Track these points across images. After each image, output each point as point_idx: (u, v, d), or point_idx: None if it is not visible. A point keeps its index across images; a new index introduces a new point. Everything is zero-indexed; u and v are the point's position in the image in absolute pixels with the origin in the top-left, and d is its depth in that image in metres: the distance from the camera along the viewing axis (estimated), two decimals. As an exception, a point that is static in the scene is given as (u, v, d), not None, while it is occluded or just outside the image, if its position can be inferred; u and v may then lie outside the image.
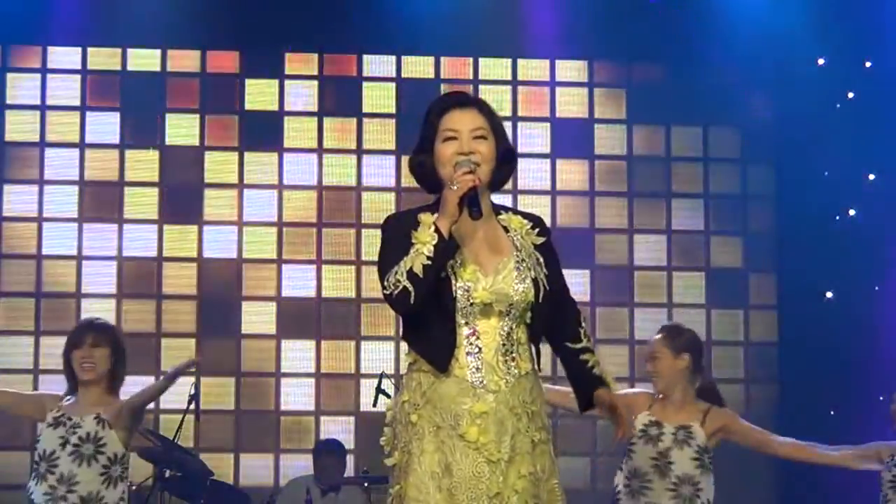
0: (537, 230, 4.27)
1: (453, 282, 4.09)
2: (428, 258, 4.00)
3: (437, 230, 4.03)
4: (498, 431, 4.05)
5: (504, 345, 4.12)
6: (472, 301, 4.09)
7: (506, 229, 4.24)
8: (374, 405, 9.16)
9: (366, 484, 8.96)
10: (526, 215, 4.32)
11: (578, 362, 4.28)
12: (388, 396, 9.15)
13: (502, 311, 4.11)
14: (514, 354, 4.13)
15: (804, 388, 10.29)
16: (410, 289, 3.99)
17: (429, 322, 4.09)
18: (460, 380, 4.07)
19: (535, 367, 4.20)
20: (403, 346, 4.30)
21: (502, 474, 4.03)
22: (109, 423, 5.97)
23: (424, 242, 4.02)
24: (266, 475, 10.38)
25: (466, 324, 4.10)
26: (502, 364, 4.11)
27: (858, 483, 7.39)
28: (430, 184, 4.25)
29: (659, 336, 6.16)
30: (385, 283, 4.05)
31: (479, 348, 4.10)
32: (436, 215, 4.09)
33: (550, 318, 4.21)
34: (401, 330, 4.26)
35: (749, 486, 9.96)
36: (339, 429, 10.27)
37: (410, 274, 4.00)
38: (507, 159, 4.25)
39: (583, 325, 4.33)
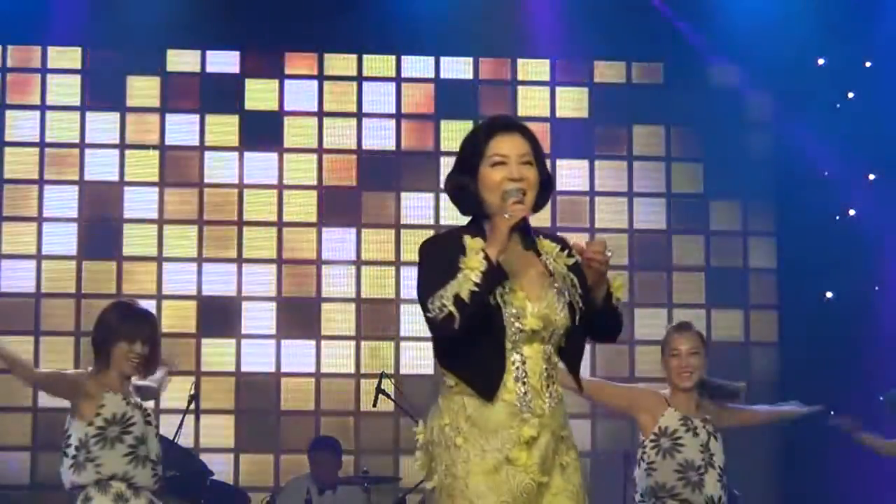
0: (567, 251, 4.25)
1: (503, 309, 4.10)
2: (476, 284, 3.99)
3: (486, 257, 4.02)
4: (542, 454, 4.08)
5: (546, 369, 4.14)
6: (521, 328, 4.11)
7: (538, 253, 4.24)
8: (374, 405, 9.16)
9: (365, 484, 8.95)
10: (553, 238, 4.32)
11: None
12: (389, 396, 9.15)
13: (545, 337, 4.14)
14: (553, 379, 4.16)
15: (804, 388, 10.28)
16: (456, 314, 3.98)
17: (477, 349, 4.08)
18: (509, 404, 4.09)
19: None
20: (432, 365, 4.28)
21: (548, 491, 4.09)
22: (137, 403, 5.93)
23: (473, 268, 4.01)
24: (266, 475, 10.38)
25: (514, 350, 4.11)
26: (545, 388, 4.13)
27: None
28: (469, 206, 4.24)
29: (689, 334, 6.26)
30: (429, 307, 4.03)
31: (526, 373, 4.11)
32: (476, 239, 4.08)
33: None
34: (436, 353, 4.22)
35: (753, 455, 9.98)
36: (339, 429, 10.26)
37: (457, 299, 3.98)
38: (546, 185, 4.25)
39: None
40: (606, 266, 4.09)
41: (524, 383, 4.11)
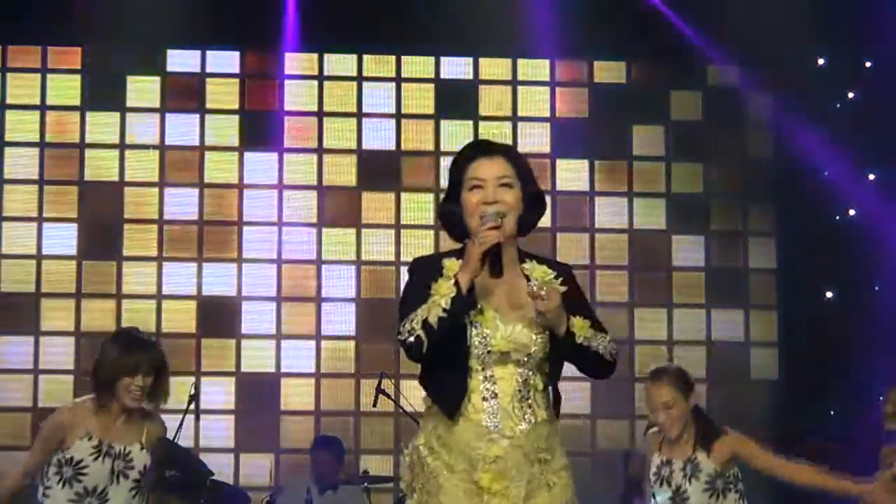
0: (560, 280, 4.23)
1: (470, 329, 4.11)
2: (444, 310, 4.02)
3: (456, 283, 4.04)
4: (513, 476, 4.07)
5: (520, 391, 4.13)
6: (489, 349, 4.12)
7: (527, 278, 4.22)
8: (375, 405, 9.16)
9: (365, 484, 8.95)
10: (552, 264, 4.31)
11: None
12: (389, 396, 9.15)
13: (520, 360, 4.13)
14: (530, 401, 4.14)
15: (804, 388, 10.29)
16: (423, 338, 4.02)
17: (441, 368, 4.11)
18: (476, 424, 4.10)
19: (552, 416, 4.20)
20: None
21: None
22: (147, 447, 5.74)
23: (443, 295, 4.04)
24: (266, 475, 10.38)
25: (483, 369, 4.12)
26: (518, 410, 4.12)
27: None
28: (459, 232, 4.26)
29: (661, 384, 6.08)
30: (400, 329, 4.07)
31: (496, 394, 4.11)
32: (456, 263, 4.11)
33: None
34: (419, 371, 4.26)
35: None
36: (339, 429, 10.26)
37: (425, 324, 4.02)
38: (535, 204, 4.25)
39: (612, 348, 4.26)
40: (550, 306, 4.03)
41: (493, 403, 4.10)
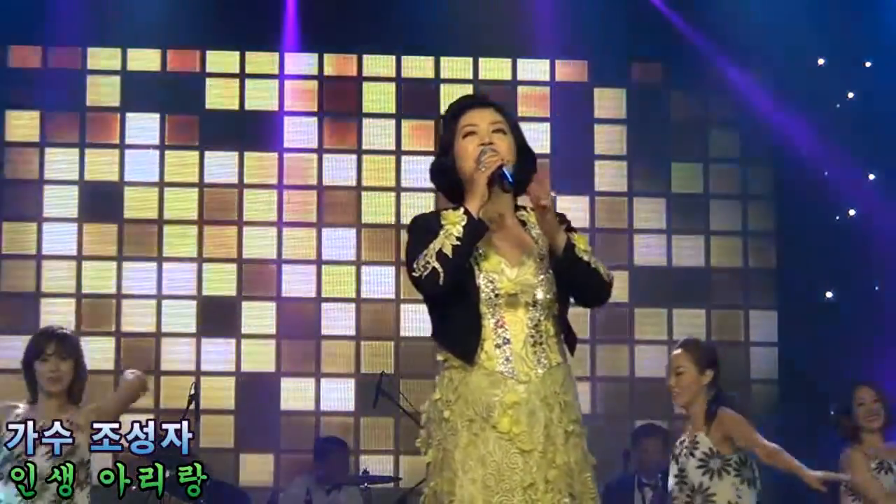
0: (564, 226, 4.25)
1: (476, 272, 4.11)
2: (457, 238, 4.02)
3: (466, 211, 4.04)
4: (530, 422, 4.05)
5: (532, 336, 4.13)
6: (497, 292, 4.12)
7: (524, 223, 4.26)
8: (375, 405, 9.16)
9: (365, 484, 8.96)
10: None
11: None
12: (389, 397, 9.15)
13: (528, 303, 4.13)
14: (543, 346, 4.14)
15: (804, 388, 10.29)
16: (440, 269, 4.01)
17: (454, 314, 4.11)
18: (490, 371, 4.09)
19: (567, 361, 4.20)
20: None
21: (536, 464, 4.03)
22: (78, 427, 5.75)
23: (454, 223, 4.05)
24: (266, 475, 10.38)
25: (492, 315, 4.12)
26: (532, 355, 4.12)
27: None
28: (451, 185, 4.27)
29: (680, 351, 6.15)
30: (414, 267, 4.07)
31: (507, 339, 4.11)
32: (457, 212, 4.11)
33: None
34: (432, 329, 4.27)
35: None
36: (339, 429, 10.26)
37: (440, 255, 4.02)
38: (526, 158, 4.27)
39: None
40: (549, 209, 4.07)
41: (506, 349, 4.10)
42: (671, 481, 6.11)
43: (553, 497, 4.03)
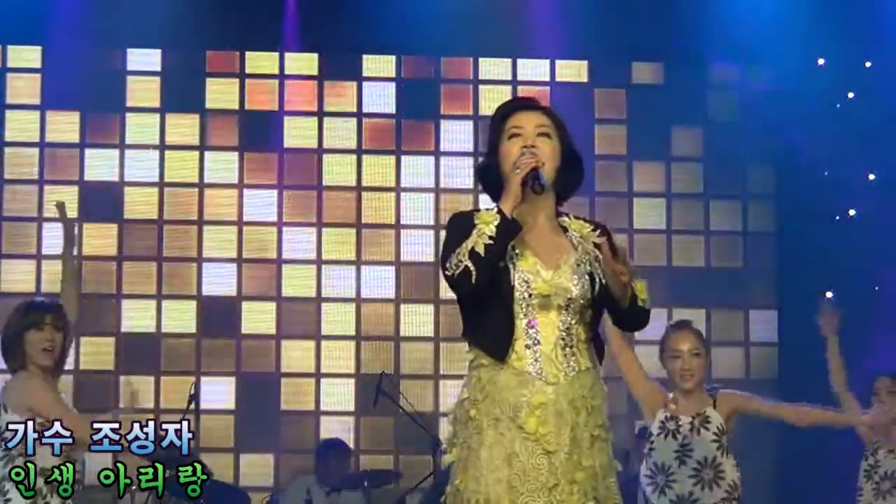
0: (598, 231, 4.28)
1: (512, 271, 4.12)
2: (490, 238, 4.03)
3: (499, 211, 4.06)
4: (556, 423, 4.05)
5: (563, 339, 4.14)
6: (530, 293, 4.12)
7: (565, 230, 4.27)
8: (375, 405, 9.16)
9: (366, 484, 8.96)
10: (587, 220, 4.35)
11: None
12: (389, 397, 9.16)
13: (561, 306, 4.13)
14: (573, 349, 4.14)
15: (804, 388, 10.28)
16: (472, 268, 4.02)
17: (487, 312, 4.11)
18: (519, 371, 4.09)
19: (597, 366, 4.21)
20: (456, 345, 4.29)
21: (561, 466, 4.03)
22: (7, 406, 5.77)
23: (487, 223, 4.06)
24: (266, 475, 10.39)
25: (525, 315, 4.12)
26: (561, 357, 4.12)
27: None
28: (494, 186, 4.27)
29: (689, 332, 6.23)
30: (447, 265, 4.07)
31: (538, 340, 4.12)
32: (491, 212, 4.12)
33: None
34: (462, 328, 4.27)
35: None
36: (339, 429, 10.27)
37: (472, 253, 4.02)
38: (572, 163, 4.27)
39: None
40: (628, 276, 4.09)
41: (536, 350, 4.11)
42: (666, 457, 6.06)
43: (579, 499, 4.04)
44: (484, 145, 4.37)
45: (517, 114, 4.27)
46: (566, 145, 4.27)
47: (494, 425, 4.06)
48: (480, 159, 4.35)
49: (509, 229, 4.05)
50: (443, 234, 4.33)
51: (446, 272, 4.07)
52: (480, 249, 4.02)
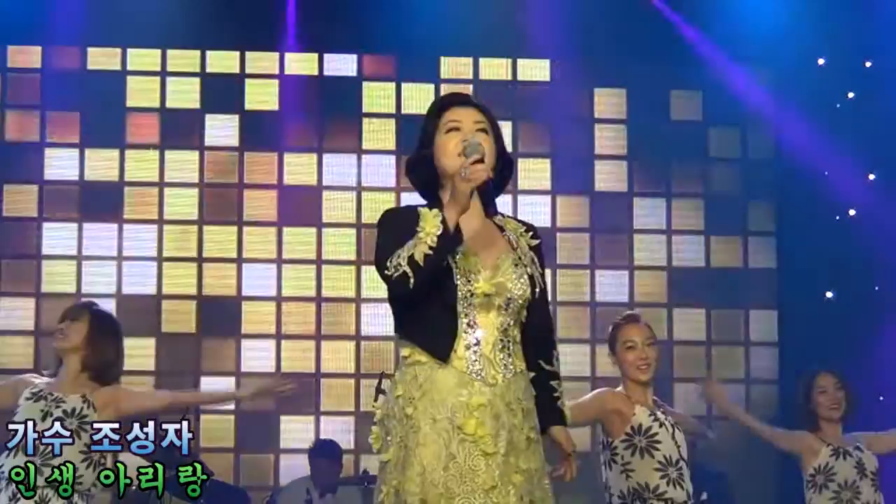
0: (531, 233, 4.29)
1: (455, 271, 4.09)
2: (430, 248, 3.97)
3: (443, 220, 4.00)
4: (494, 425, 4.04)
5: (501, 340, 4.12)
6: (472, 292, 4.10)
7: (500, 228, 4.26)
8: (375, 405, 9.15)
9: (365, 484, 8.96)
10: (519, 220, 4.35)
11: (549, 387, 4.27)
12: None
13: (500, 306, 4.11)
14: (509, 351, 4.13)
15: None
16: (410, 274, 3.98)
17: (430, 311, 4.08)
18: (459, 371, 4.07)
19: (527, 369, 4.20)
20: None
21: (498, 468, 4.01)
22: (95, 406, 5.85)
23: (429, 232, 3.99)
24: (266, 475, 10.39)
25: (466, 315, 4.10)
26: (500, 359, 4.11)
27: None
28: (427, 181, 4.25)
29: (641, 324, 6.14)
30: (386, 265, 4.02)
31: (478, 341, 4.10)
32: (433, 209, 4.08)
33: (532, 323, 4.22)
34: (395, 324, 4.25)
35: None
36: (339, 429, 10.27)
37: (411, 260, 3.98)
38: (504, 163, 4.27)
39: (555, 343, 4.32)
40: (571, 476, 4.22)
41: (475, 351, 4.09)
42: (671, 449, 5.97)
43: (516, 502, 4.02)
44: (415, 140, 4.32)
45: (454, 108, 4.26)
46: (500, 144, 4.25)
47: (432, 424, 4.03)
48: (411, 154, 4.31)
49: (451, 241, 4.00)
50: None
51: (385, 272, 4.02)
52: (419, 258, 3.96)
